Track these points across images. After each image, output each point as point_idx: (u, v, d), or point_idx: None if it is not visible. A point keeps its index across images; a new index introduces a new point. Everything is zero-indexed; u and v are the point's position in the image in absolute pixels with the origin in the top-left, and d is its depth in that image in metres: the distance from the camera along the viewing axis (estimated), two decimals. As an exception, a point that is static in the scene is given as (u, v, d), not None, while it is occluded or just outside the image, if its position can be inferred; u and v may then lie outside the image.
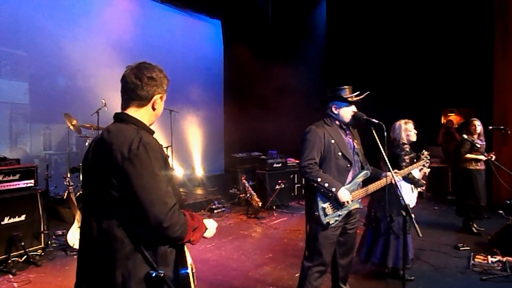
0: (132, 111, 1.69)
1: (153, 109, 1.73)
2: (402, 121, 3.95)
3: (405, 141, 3.89)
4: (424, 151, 3.84)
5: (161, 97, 1.74)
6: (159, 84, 1.71)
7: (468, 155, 5.45)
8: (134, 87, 1.66)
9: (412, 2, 8.63)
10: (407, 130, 3.90)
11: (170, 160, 8.07)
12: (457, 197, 5.94)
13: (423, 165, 3.77)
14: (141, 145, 1.49)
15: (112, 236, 1.49)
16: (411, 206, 3.78)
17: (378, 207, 3.80)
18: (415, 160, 3.84)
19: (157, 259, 1.53)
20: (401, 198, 3.53)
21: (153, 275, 1.47)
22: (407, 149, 3.82)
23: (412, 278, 3.83)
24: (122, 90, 1.72)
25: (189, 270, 1.62)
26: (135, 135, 1.53)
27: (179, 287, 1.57)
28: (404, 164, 3.68)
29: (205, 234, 1.82)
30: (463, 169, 5.58)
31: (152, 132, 1.72)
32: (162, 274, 1.48)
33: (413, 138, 3.91)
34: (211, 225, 1.87)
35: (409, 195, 3.76)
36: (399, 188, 3.55)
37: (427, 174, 3.91)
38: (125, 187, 1.46)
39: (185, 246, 1.68)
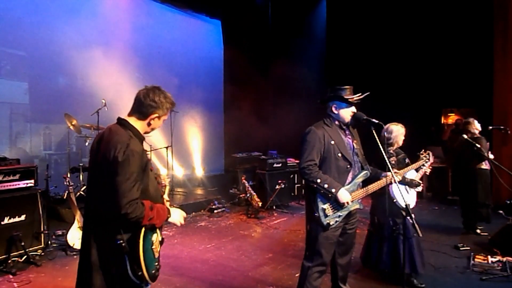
0: (132, 120, 2.17)
1: (149, 124, 2.20)
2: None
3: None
4: (423, 150, 3.82)
5: (158, 117, 2.19)
6: (159, 107, 2.17)
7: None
8: (139, 103, 2.16)
9: (412, 2, 8.63)
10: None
11: (170, 159, 8.08)
12: (467, 197, 5.64)
13: (423, 165, 3.76)
14: (127, 151, 2.00)
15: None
16: (411, 207, 3.74)
17: (380, 212, 3.78)
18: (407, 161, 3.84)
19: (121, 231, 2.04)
20: (395, 200, 3.56)
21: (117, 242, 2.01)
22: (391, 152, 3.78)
23: (423, 285, 3.73)
24: (134, 102, 2.21)
25: (140, 241, 2.03)
26: (127, 142, 2.03)
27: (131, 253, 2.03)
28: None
29: (170, 220, 2.25)
30: (478, 169, 5.42)
31: (142, 139, 2.21)
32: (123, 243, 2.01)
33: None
34: (175, 213, 2.30)
35: (405, 196, 3.73)
36: (392, 191, 3.56)
37: (427, 173, 3.88)
38: (109, 176, 1.98)
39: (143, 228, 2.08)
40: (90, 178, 2.23)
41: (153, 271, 2.09)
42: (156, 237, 2.17)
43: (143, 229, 2.03)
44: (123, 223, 2.02)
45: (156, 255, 2.16)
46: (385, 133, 3.76)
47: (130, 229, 2.04)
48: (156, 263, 2.15)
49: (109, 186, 1.99)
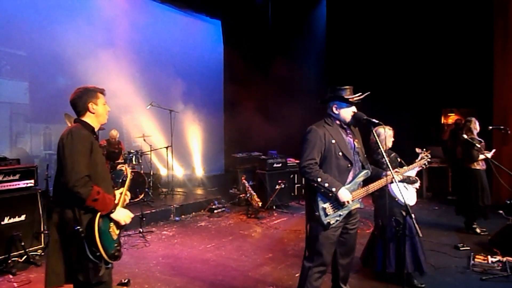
0: (82, 117, 2.48)
1: (92, 112, 2.47)
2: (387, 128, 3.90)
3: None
4: (424, 149, 3.81)
5: (94, 103, 2.46)
6: (87, 95, 2.46)
7: (481, 156, 5.40)
8: (74, 105, 2.47)
9: (412, 2, 8.63)
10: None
11: (170, 159, 8.07)
12: (463, 197, 5.73)
13: (424, 164, 3.73)
14: (70, 134, 2.31)
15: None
16: (411, 204, 3.74)
17: (382, 214, 3.77)
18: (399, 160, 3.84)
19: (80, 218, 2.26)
20: (396, 199, 3.56)
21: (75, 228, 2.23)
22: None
23: (423, 285, 3.73)
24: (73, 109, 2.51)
25: (96, 226, 2.22)
26: (70, 129, 2.36)
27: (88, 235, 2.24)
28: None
29: (112, 215, 2.37)
30: (471, 169, 5.49)
31: (92, 128, 2.46)
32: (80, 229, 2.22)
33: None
34: (121, 211, 2.44)
35: (405, 194, 3.72)
36: (392, 190, 3.56)
37: (424, 167, 3.86)
38: (61, 162, 2.27)
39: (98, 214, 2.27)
40: (55, 179, 2.41)
41: (113, 252, 2.33)
42: (113, 222, 2.40)
43: (98, 215, 2.26)
44: (79, 208, 2.24)
45: (115, 237, 2.39)
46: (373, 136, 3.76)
47: (87, 217, 2.26)
48: (116, 244, 2.39)
49: (62, 170, 2.25)
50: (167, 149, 8.02)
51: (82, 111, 2.46)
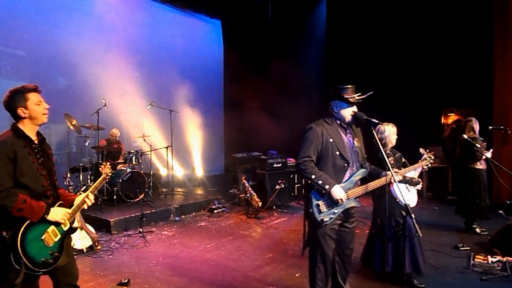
0: (17, 123, 2.37)
1: (24, 118, 2.34)
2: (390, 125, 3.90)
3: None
4: (427, 150, 3.79)
5: (23, 107, 2.32)
6: (14, 99, 2.32)
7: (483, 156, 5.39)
8: (7, 111, 2.36)
9: (412, 2, 8.63)
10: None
11: (170, 159, 8.06)
12: (463, 197, 5.74)
13: (426, 165, 3.71)
14: None
15: None
16: (412, 205, 3.74)
17: (382, 214, 3.77)
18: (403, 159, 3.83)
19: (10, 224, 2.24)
20: (397, 200, 3.55)
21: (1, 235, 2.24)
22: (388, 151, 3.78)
23: (423, 285, 3.73)
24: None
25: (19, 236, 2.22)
26: None
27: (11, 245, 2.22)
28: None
29: (48, 218, 2.32)
30: (472, 169, 5.49)
31: (21, 134, 2.33)
32: (7, 236, 2.21)
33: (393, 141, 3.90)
34: (55, 212, 2.35)
35: (407, 195, 3.72)
36: (394, 190, 3.56)
37: (427, 168, 3.85)
38: None
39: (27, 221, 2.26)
40: None
41: (43, 259, 2.29)
42: (52, 229, 2.36)
43: (25, 224, 2.24)
44: (6, 217, 2.21)
45: (50, 244, 2.34)
46: (377, 134, 3.74)
47: (15, 224, 2.23)
48: (52, 251, 2.34)
49: None
50: (167, 149, 8.01)
51: (14, 116, 2.35)
